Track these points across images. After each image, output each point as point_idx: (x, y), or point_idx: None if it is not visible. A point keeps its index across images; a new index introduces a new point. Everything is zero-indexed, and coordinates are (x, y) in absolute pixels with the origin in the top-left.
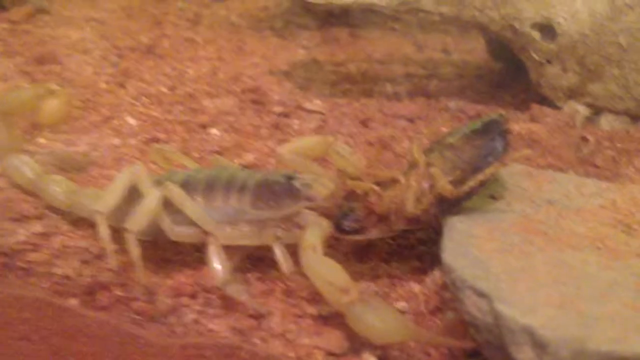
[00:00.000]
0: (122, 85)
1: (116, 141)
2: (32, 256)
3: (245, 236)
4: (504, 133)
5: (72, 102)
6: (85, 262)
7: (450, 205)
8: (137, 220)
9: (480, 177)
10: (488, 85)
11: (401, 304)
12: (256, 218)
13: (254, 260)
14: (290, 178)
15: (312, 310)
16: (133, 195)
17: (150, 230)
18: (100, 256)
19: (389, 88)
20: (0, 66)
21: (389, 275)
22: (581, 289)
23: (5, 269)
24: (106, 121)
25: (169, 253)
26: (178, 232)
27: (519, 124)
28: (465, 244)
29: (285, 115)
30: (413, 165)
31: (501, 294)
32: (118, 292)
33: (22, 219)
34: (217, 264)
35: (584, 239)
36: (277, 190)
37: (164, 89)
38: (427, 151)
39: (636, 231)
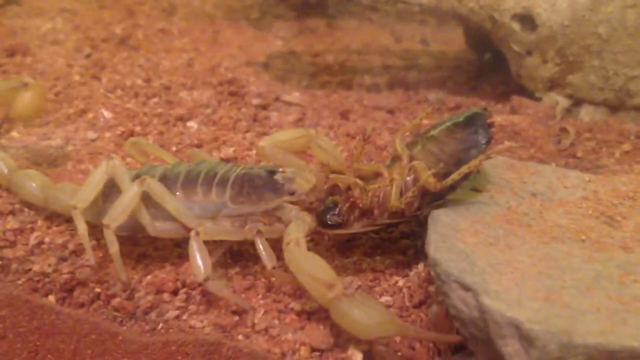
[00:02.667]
0: (96, 77)
1: (91, 134)
2: (7, 252)
3: (226, 231)
4: (487, 126)
5: (46, 95)
6: (62, 258)
7: (433, 199)
8: (116, 216)
9: (463, 169)
10: (467, 77)
11: (385, 298)
12: (237, 213)
13: (235, 256)
14: (272, 172)
15: (295, 305)
16: (111, 189)
17: (129, 226)
18: (77, 252)
19: (367, 79)
20: None
21: (372, 269)
22: (566, 282)
23: None
24: (81, 114)
25: (148, 248)
26: (158, 227)
27: (500, 116)
28: (450, 238)
29: (264, 107)
30: (396, 158)
31: (487, 287)
32: (97, 289)
33: None
34: (199, 261)
35: (568, 231)
36: (259, 184)
37: (139, 81)
38: (410, 144)
39: (619, 223)
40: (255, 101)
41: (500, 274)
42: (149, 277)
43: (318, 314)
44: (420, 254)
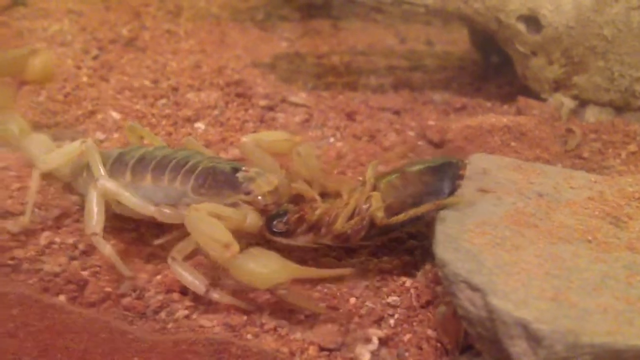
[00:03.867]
0: (104, 79)
1: (100, 135)
2: (18, 252)
3: (180, 218)
4: (456, 177)
5: (53, 61)
6: (72, 258)
7: (380, 232)
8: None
9: (411, 212)
10: (472, 77)
11: (393, 298)
12: (196, 203)
13: None
14: (235, 169)
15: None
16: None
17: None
18: (87, 252)
19: (373, 80)
20: None
21: (379, 269)
22: (573, 282)
23: None
24: (89, 115)
25: (157, 249)
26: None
27: (506, 117)
28: (458, 238)
29: (270, 108)
30: (362, 184)
31: (494, 288)
32: (107, 289)
33: (7, 215)
34: (192, 280)
35: (574, 231)
36: (220, 179)
37: (147, 82)
38: (381, 175)
39: (625, 224)
40: (262, 102)
41: (507, 275)
42: (158, 277)
43: (326, 314)
44: (428, 255)
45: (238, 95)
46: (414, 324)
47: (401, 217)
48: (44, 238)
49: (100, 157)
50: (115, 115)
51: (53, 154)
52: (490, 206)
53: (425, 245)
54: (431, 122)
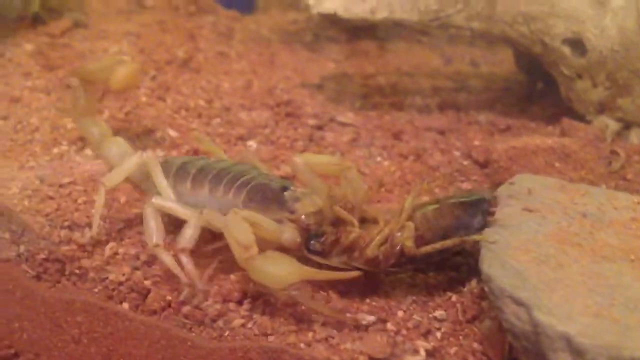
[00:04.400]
0: (161, 98)
1: (159, 152)
2: (85, 262)
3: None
4: (487, 213)
5: (139, 71)
6: (135, 268)
7: (409, 261)
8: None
9: (437, 245)
10: (517, 99)
11: (439, 312)
12: None
13: None
14: (284, 188)
15: (350, 318)
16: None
17: None
18: (149, 263)
19: (418, 101)
20: (43, 79)
21: (426, 284)
22: (616, 299)
23: (60, 275)
24: (149, 133)
25: (212, 261)
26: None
27: (550, 138)
28: (503, 255)
29: (319, 127)
30: (399, 213)
31: (539, 303)
32: (168, 297)
33: (74, 226)
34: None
35: (617, 251)
36: (268, 196)
37: (202, 102)
38: (419, 206)
39: None
40: (311, 122)
41: (551, 291)
42: (215, 288)
43: (375, 325)
44: (473, 271)
45: (288, 114)
46: (460, 337)
47: (428, 248)
48: (108, 249)
49: (163, 166)
50: (173, 133)
51: (115, 172)
52: (535, 225)
53: (470, 263)
54: (476, 142)
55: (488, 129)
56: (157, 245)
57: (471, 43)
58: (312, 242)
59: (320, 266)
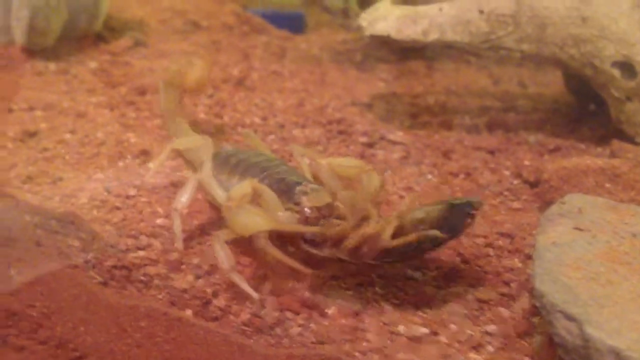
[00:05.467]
0: (218, 116)
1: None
2: (150, 270)
3: None
4: (467, 216)
5: (209, 68)
6: (198, 276)
7: (386, 255)
8: (181, 201)
9: (409, 238)
10: (566, 119)
11: (491, 327)
12: None
13: (345, 280)
14: (297, 183)
15: (405, 330)
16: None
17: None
18: (210, 272)
19: (467, 120)
20: (106, 96)
21: (478, 299)
22: None
23: (125, 281)
24: None
25: (268, 271)
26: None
27: (600, 159)
28: (555, 272)
29: (370, 145)
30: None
31: (589, 318)
32: (228, 305)
33: (140, 236)
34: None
35: None
36: (282, 188)
37: (257, 119)
38: (414, 210)
39: None
40: (362, 139)
41: (601, 307)
42: (273, 297)
43: (428, 337)
44: (524, 288)
45: (339, 132)
46: (512, 351)
47: (400, 240)
48: (173, 257)
49: (214, 156)
50: (247, 131)
51: (182, 196)
52: (585, 244)
53: (521, 279)
54: (526, 162)
55: (537, 149)
56: (230, 269)
57: (519, 64)
58: (308, 234)
59: (313, 256)
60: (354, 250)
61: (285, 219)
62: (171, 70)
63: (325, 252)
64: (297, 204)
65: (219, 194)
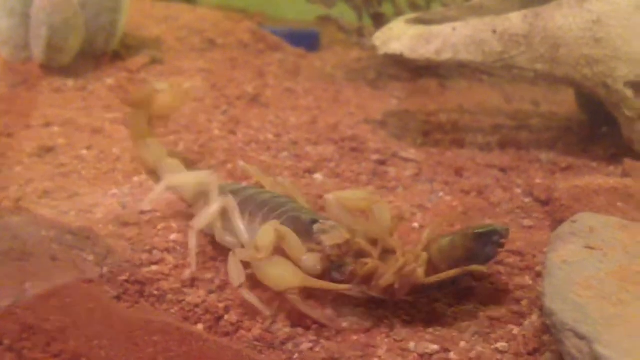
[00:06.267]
0: (232, 132)
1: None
2: (164, 284)
3: None
4: (498, 245)
5: (181, 96)
6: (210, 291)
7: (421, 290)
8: (201, 221)
9: (443, 275)
10: (578, 138)
11: (501, 344)
12: None
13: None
14: (314, 221)
15: (415, 346)
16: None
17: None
18: (222, 287)
19: (479, 138)
20: (122, 112)
21: (488, 317)
22: None
23: (139, 296)
24: (222, 164)
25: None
26: (225, 238)
27: (612, 179)
28: (565, 290)
29: (382, 162)
30: (417, 244)
31: (600, 337)
32: (240, 320)
33: (154, 250)
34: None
35: None
36: (299, 228)
37: (270, 136)
38: (436, 238)
39: None
40: (374, 157)
41: (612, 326)
42: (285, 313)
43: (438, 354)
44: (534, 306)
45: (352, 149)
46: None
47: (434, 278)
48: (186, 273)
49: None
50: (244, 165)
51: (202, 216)
52: (597, 262)
53: (531, 297)
54: (538, 181)
55: (549, 168)
56: (240, 286)
57: (532, 83)
58: (333, 272)
59: (341, 294)
60: (387, 287)
61: (310, 262)
62: (137, 95)
63: (355, 290)
64: (318, 243)
65: (241, 231)
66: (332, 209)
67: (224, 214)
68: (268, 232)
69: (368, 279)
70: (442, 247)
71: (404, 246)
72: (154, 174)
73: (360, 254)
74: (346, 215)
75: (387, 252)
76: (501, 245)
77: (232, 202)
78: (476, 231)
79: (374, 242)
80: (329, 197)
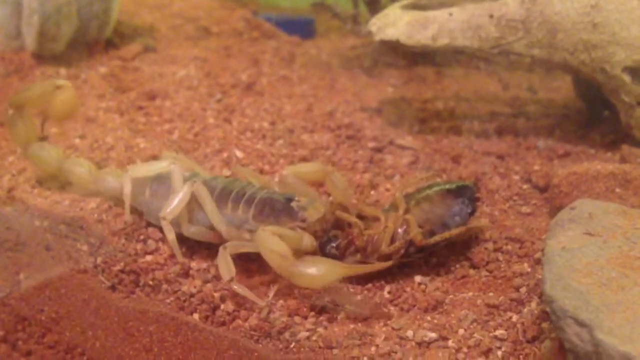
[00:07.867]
0: (227, 120)
1: (226, 172)
2: (159, 274)
3: (246, 246)
4: (474, 200)
5: (77, 97)
6: (206, 281)
7: (417, 251)
8: (171, 209)
9: (445, 235)
10: (576, 125)
11: (500, 332)
12: (256, 229)
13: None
14: (289, 199)
15: (414, 335)
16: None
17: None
18: (218, 277)
19: (476, 126)
20: (116, 100)
21: (487, 304)
22: None
23: (134, 286)
24: (217, 153)
25: (277, 277)
26: (191, 230)
27: (610, 164)
28: (565, 277)
29: (379, 150)
30: (393, 207)
31: (600, 324)
32: (236, 310)
33: (148, 240)
34: (225, 267)
35: None
36: (277, 208)
37: (266, 124)
38: (407, 197)
39: None
40: (371, 144)
41: (613, 312)
42: (281, 302)
43: (436, 342)
44: (533, 293)
45: (348, 137)
46: (521, 356)
47: (437, 238)
48: (176, 268)
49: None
50: (239, 153)
51: (173, 204)
52: (596, 249)
53: (530, 284)
54: (536, 167)
55: (547, 155)
56: (231, 280)
57: (529, 69)
58: (327, 247)
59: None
60: (387, 254)
61: (308, 242)
62: (23, 95)
63: (350, 261)
64: (303, 220)
65: (215, 214)
66: (291, 183)
67: (189, 204)
68: (271, 239)
69: (364, 248)
70: (423, 207)
71: (380, 211)
72: (55, 180)
73: (337, 224)
74: (309, 189)
75: (364, 219)
76: (477, 199)
77: (201, 187)
78: (450, 187)
79: (346, 211)
80: (285, 172)
